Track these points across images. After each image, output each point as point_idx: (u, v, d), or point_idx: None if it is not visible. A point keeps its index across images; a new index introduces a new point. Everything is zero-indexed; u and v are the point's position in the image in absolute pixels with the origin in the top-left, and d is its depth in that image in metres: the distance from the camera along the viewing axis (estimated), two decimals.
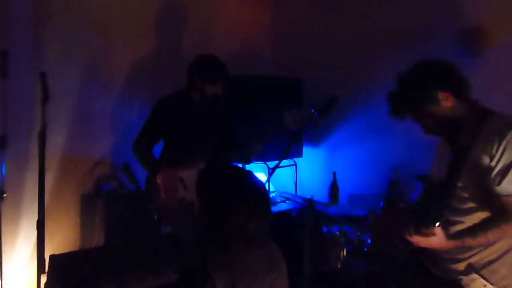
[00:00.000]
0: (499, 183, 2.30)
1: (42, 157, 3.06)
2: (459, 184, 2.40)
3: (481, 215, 2.41)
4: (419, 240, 2.37)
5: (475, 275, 2.43)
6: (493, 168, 2.31)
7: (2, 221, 3.53)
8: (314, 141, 4.97)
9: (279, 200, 4.59)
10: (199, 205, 2.16)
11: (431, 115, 2.46)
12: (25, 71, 3.71)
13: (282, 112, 3.31)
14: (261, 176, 4.67)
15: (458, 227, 2.45)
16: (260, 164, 4.61)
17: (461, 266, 2.47)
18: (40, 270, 3.03)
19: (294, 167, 4.97)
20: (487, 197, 2.36)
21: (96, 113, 4.22)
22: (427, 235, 2.33)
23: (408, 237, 2.37)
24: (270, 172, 3.25)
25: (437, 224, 2.29)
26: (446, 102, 2.42)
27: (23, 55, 3.76)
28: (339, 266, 3.49)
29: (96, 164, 4.25)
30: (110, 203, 3.98)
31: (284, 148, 3.15)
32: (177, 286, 2.09)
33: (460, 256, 2.47)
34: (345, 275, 3.46)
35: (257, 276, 2.09)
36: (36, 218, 3.07)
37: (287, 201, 4.56)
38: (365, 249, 3.47)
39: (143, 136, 3.68)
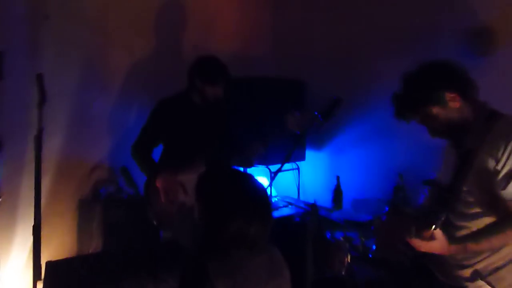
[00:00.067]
0: (504, 187, 2.29)
1: (38, 160, 3.06)
2: (465, 188, 2.39)
3: (486, 221, 2.41)
4: (419, 244, 2.36)
5: (481, 282, 2.42)
6: (499, 172, 2.31)
7: None
8: (317, 144, 4.96)
9: (281, 205, 4.59)
10: (198, 210, 2.15)
11: (437, 117, 2.45)
12: (21, 72, 3.70)
13: (285, 115, 3.31)
14: (263, 180, 4.67)
15: (464, 232, 2.45)
16: (262, 168, 4.61)
17: (467, 272, 2.47)
18: (36, 276, 3.03)
19: (297, 171, 4.97)
20: (493, 202, 2.35)
21: (94, 116, 4.21)
22: (426, 238, 2.33)
23: (408, 241, 2.37)
24: (272, 176, 3.25)
25: (433, 227, 2.29)
26: (453, 103, 2.42)
27: (19, 56, 3.75)
28: (343, 272, 3.48)
29: (94, 168, 4.25)
30: (108, 208, 3.97)
31: (286, 151, 3.15)
32: None
33: (466, 262, 2.47)
34: (350, 282, 3.45)
35: (259, 283, 2.08)
36: (32, 223, 3.07)
37: (290, 206, 4.56)
38: (370, 255, 3.46)
39: (142, 139, 3.68)
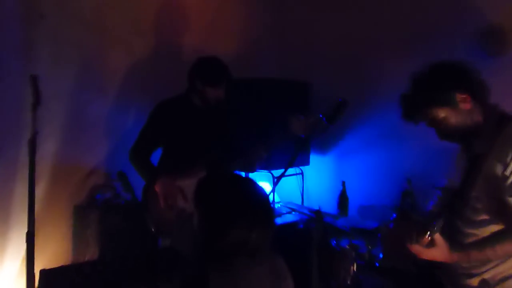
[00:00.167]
0: None
1: (32, 165, 3.05)
2: (473, 194, 2.39)
3: (494, 228, 2.41)
4: (420, 251, 2.36)
5: None
6: (508, 178, 2.30)
7: None
8: (322, 148, 4.96)
9: (284, 211, 4.58)
10: (196, 217, 2.14)
11: (447, 119, 2.44)
12: (15, 73, 3.70)
13: (288, 118, 3.29)
14: (266, 185, 4.66)
15: (471, 240, 2.44)
16: (264, 173, 4.60)
17: (475, 281, 2.46)
18: (30, 285, 3.02)
19: (301, 176, 4.96)
20: (501, 209, 2.35)
21: (90, 119, 4.21)
22: (426, 245, 2.33)
23: (409, 247, 2.36)
24: (275, 181, 3.23)
25: (428, 233, 2.29)
26: (464, 105, 2.41)
27: (13, 56, 3.75)
28: (348, 282, 3.47)
29: (90, 173, 4.24)
30: (104, 215, 3.97)
31: (290, 155, 3.13)
32: None
33: (474, 271, 2.46)
34: None
35: None
36: (26, 230, 3.06)
37: (293, 213, 4.56)
38: (377, 264, 3.45)
39: (141, 143, 3.68)
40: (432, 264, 2.49)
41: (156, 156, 3.77)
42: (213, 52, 3.67)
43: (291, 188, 5.01)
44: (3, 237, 3.79)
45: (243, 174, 4.41)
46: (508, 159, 2.30)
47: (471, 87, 2.41)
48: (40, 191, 3.77)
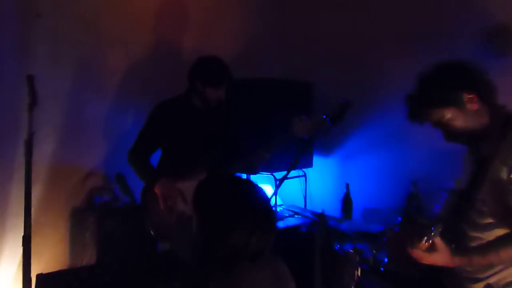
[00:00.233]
0: None
1: (28, 167, 3.05)
2: (480, 197, 2.39)
3: (499, 232, 2.41)
4: (420, 255, 2.36)
5: None
6: None
7: None
8: (326, 150, 4.96)
9: (287, 215, 4.58)
10: (195, 220, 2.14)
11: (453, 120, 2.44)
12: (11, 73, 3.70)
13: (291, 119, 3.29)
14: (268, 188, 4.66)
15: (476, 243, 2.45)
16: (266, 175, 4.60)
17: (480, 286, 2.47)
18: None
19: (304, 178, 4.97)
20: (506, 213, 2.36)
21: (88, 119, 4.20)
22: (426, 250, 2.33)
23: (410, 252, 2.36)
24: (278, 183, 3.24)
25: (425, 239, 2.30)
26: (471, 105, 2.41)
27: (8, 56, 3.75)
28: (352, 287, 3.46)
29: (87, 175, 4.24)
30: (102, 218, 3.96)
31: (292, 157, 3.14)
32: None
33: (479, 276, 2.46)
34: None
35: None
36: (22, 234, 3.06)
37: (296, 216, 4.55)
38: (382, 269, 3.45)
39: (140, 144, 3.68)
40: (436, 269, 2.49)
41: (156, 157, 3.77)
42: (214, 52, 3.67)
43: (293, 191, 5.01)
44: None
45: (244, 176, 4.41)
46: None
47: (478, 87, 2.41)
48: (36, 193, 3.77)
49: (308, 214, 4.47)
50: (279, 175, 4.33)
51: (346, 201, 4.37)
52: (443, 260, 2.37)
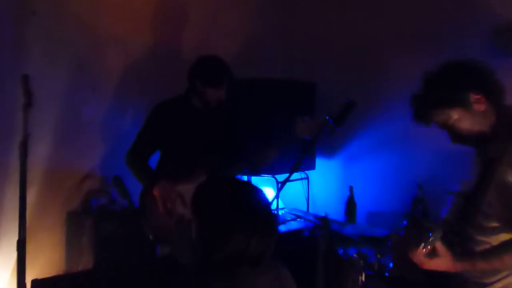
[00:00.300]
0: None
1: (23, 169, 3.06)
2: (486, 200, 2.39)
3: (505, 237, 2.41)
4: (422, 261, 2.36)
5: None
6: None
7: None
8: (329, 152, 4.95)
9: (289, 218, 4.58)
10: (194, 224, 2.14)
11: (460, 121, 2.44)
12: (6, 73, 3.71)
13: (293, 119, 3.29)
14: (269, 191, 4.66)
15: (482, 247, 2.45)
16: (268, 178, 4.60)
17: None
18: None
19: (306, 180, 4.96)
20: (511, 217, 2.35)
21: (85, 121, 4.21)
22: (428, 255, 2.33)
23: (411, 257, 2.37)
24: (279, 186, 3.23)
25: (422, 245, 2.30)
26: (478, 106, 2.40)
27: (3, 55, 3.76)
28: None
29: (84, 177, 4.24)
30: (99, 221, 3.96)
31: (295, 159, 3.13)
32: None
33: (486, 281, 2.46)
34: None
35: None
36: (17, 238, 3.06)
37: (298, 219, 4.55)
38: (386, 274, 3.44)
39: (138, 146, 3.68)
40: (443, 274, 2.49)
41: (154, 159, 3.77)
42: (214, 51, 3.67)
43: (295, 194, 5.00)
44: None
45: (245, 178, 4.42)
46: None
47: (485, 88, 2.40)
48: (31, 196, 3.77)
49: (311, 218, 4.46)
50: (281, 177, 4.33)
51: (350, 204, 4.37)
52: (445, 266, 2.37)
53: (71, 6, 4.05)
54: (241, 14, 5.14)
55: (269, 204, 2.23)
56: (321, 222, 3.33)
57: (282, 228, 4.33)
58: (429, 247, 2.31)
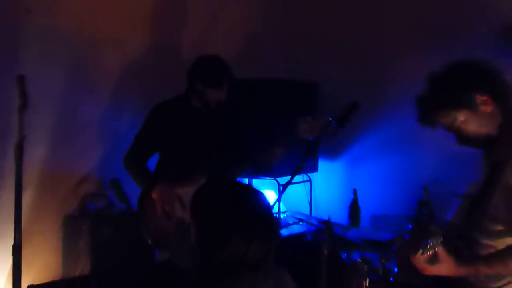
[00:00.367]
0: None
1: (19, 172, 3.05)
2: (492, 203, 2.39)
3: (510, 241, 2.41)
4: (423, 266, 2.36)
5: None
6: None
7: None
8: (332, 154, 4.95)
9: (291, 222, 4.58)
10: (194, 228, 2.14)
11: (466, 122, 2.44)
12: (0, 74, 3.70)
13: (295, 120, 3.29)
14: (271, 194, 4.65)
15: (487, 251, 2.45)
16: (269, 180, 4.60)
17: None
18: None
19: (309, 183, 4.96)
20: None
21: (81, 122, 4.20)
22: (429, 260, 2.33)
23: (413, 262, 2.37)
24: (281, 189, 3.23)
25: (420, 252, 2.30)
26: (484, 107, 2.40)
27: None
28: None
29: (81, 180, 4.24)
30: (97, 225, 3.96)
31: (297, 161, 3.13)
32: None
33: (493, 285, 2.46)
34: None
35: None
36: (12, 243, 3.06)
37: (301, 223, 4.54)
38: (391, 279, 3.44)
39: (136, 148, 3.68)
40: (447, 279, 2.49)
41: (153, 162, 3.77)
42: (214, 50, 3.67)
43: (298, 197, 5.00)
44: None
45: (245, 181, 4.42)
46: None
47: (492, 88, 2.40)
48: (27, 200, 3.76)
49: (314, 222, 4.46)
50: (283, 180, 4.33)
51: (354, 208, 4.37)
52: (447, 271, 2.36)
53: (67, 4, 4.05)
54: (242, 13, 5.14)
55: (270, 207, 2.22)
56: (324, 226, 3.33)
57: (284, 232, 4.33)
58: (428, 253, 2.30)
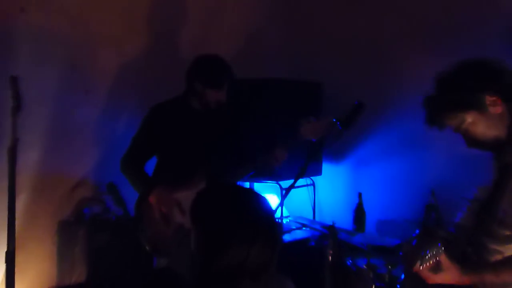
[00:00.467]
0: None
1: (12, 176, 3.06)
2: (502, 207, 2.39)
3: None
4: (427, 275, 2.36)
5: None
6: None
7: None
8: (336, 157, 4.95)
9: (294, 227, 4.57)
10: (193, 233, 2.14)
11: (475, 124, 2.43)
12: None
13: (298, 122, 3.29)
14: (273, 198, 4.65)
15: (495, 257, 2.45)
16: (272, 184, 4.60)
17: None
18: None
19: (312, 187, 4.96)
20: None
21: (77, 125, 4.21)
22: (433, 269, 2.33)
23: (416, 271, 2.37)
24: (284, 193, 3.22)
25: (419, 263, 2.30)
26: (494, 108, 2.40)
27: None
28: None
29: (76, 184, 4.24)
30: (93, 231, 3.97)
31: (300, 164, 3.13)
32: None
33: None
34: None
35: None
36: (5, 250, 3.06)
37: (304, 228, 4.54)
38: (398, 286, 3.44)
39: (134, 151, 3.68)
40: (454, 287, 2.49)
41: (151, 165, 3.77)
42: (214, 50, 3.67)
43: (301, 201, 5.00)
44: None
45: (247, 185, 4.42)
46: None
47: (502, 89, 2.40)
48: (21, 205, 3.76)
49: (317, 227, 4.45)
50: (286, 184, 4.33)
51: (359, 212, 4.37)
52: (452, 279, 2.36)
53: (62, 2, 4.05)
54: (243, 11, 5.14)
55: (272, 212, 2.22)
56: (328, 231, 3.33)
57: (287, 237, 4.33)
58: (428, 263, 2.31)
